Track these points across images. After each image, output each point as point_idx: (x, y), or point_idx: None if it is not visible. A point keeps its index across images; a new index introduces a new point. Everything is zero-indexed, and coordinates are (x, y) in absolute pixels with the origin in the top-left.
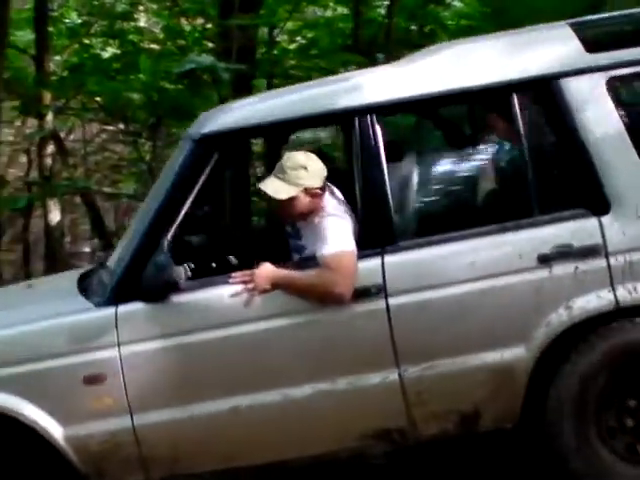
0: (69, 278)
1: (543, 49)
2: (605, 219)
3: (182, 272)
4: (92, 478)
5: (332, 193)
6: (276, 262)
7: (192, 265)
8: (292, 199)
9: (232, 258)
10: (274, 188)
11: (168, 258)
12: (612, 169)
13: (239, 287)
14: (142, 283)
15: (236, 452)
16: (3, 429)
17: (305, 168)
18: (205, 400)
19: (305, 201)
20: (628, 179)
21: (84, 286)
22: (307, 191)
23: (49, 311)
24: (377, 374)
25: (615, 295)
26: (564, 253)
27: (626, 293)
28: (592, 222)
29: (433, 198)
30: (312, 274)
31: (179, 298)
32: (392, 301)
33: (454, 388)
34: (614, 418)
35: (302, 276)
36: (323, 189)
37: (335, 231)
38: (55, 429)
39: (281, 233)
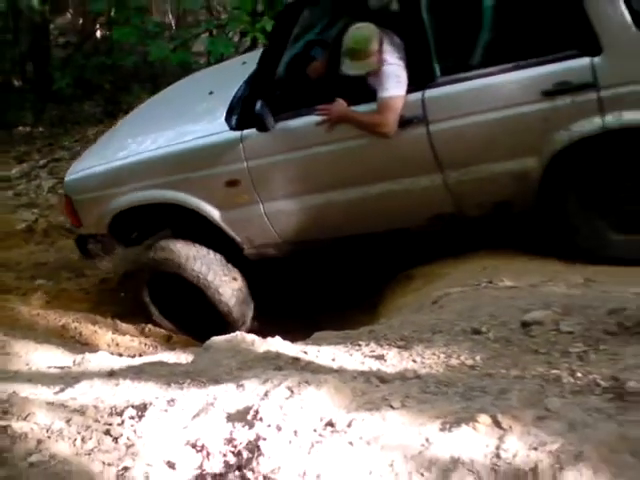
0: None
1: None
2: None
3: (272, 120)
4: (244, 245)
5: (390, 39)
6: (357, 101)
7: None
8: None
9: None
10: (355, 70)
11: (264, 108)
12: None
13: (320, 117)
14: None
15: (338, 227)
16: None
17: (369, 40)
18: (308, 194)
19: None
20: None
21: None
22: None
23: (202, 132)
24: (427, 177)
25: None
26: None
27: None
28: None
29: (458, 39)
30: (369, 114)
31: (283, 125)
32: (432, 127)
33: (486, 187)
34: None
35: (362, 115)
36: (381, 43)
37: (391, 78)
38: (215, 214)
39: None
